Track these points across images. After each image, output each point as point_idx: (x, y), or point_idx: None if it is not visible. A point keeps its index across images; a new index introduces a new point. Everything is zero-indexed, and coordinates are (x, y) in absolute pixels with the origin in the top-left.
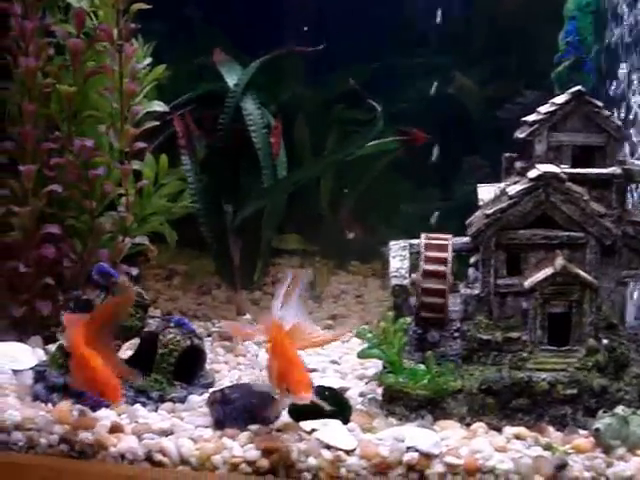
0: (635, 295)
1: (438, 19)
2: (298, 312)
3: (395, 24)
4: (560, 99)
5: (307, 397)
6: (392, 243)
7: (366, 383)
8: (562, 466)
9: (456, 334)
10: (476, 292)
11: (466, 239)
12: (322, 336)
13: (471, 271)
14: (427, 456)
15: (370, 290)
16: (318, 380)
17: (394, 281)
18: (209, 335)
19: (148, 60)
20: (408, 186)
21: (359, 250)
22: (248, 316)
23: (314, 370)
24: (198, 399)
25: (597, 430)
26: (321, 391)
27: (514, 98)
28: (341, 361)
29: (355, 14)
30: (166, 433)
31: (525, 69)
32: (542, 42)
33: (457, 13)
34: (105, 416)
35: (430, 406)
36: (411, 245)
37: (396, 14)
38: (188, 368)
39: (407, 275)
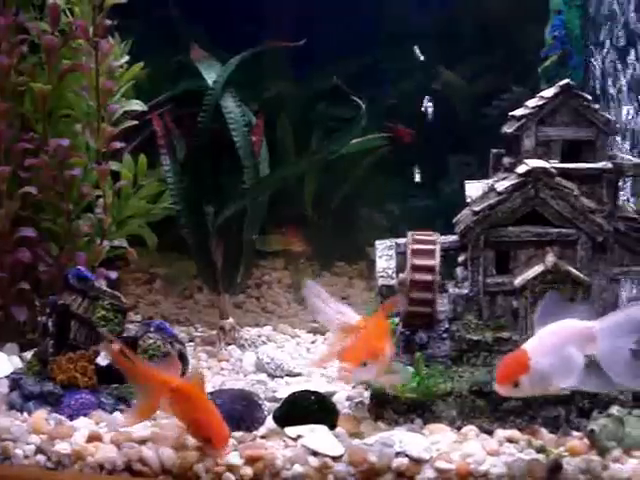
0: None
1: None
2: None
3: (380, 19)
4: (548, 92)
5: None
6: (378, 242)
7: (353, 387)
8: (556, 469)
9: (445, 335)
10: (465, 292)
11: (454, 237)
12: None
13: (459, 270)
14: (417, 461)
15: (356, 291)
16: (303, 384)
17: (381, 281)
18: (192, 340)
19: (126, 58)
20: (395, 185)
21: (344, 251)
22: (231, 320)
23: (299, 374)
24: None
25: (592, 431)
26: (306, 395)
27: (501, 94)
28: (327, 365)
29: (339, 9)
30: (146, 441)
31: (513, 65)
32: (529, 37)
33: (443, 8)
34: (83, 425)
35: (419, 410)
36: (397, 244)
37: (381, 9)
38: None
39: (394, 275)
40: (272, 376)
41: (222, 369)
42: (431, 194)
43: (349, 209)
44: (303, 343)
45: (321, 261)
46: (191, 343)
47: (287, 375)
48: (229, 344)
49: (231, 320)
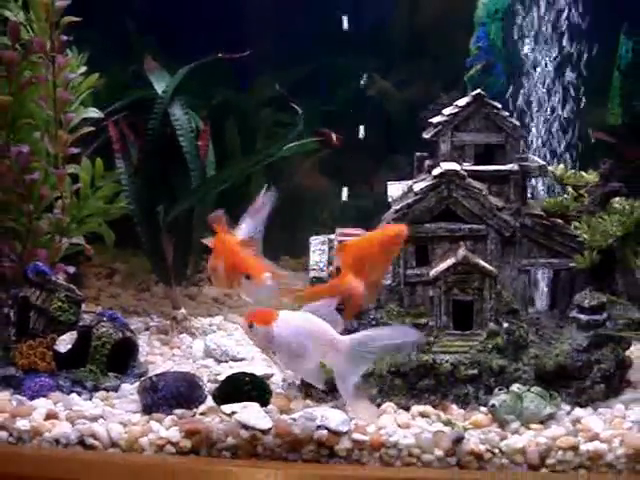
0: (542, 284)
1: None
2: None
3: (319, 31)
4: (462, 101)
5: (267, 278)
6: (312, 238)
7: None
8: (459, 440)
9: (373, 322)
10: (388, 282)
11: None
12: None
13: None
14: (336, 433)
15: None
16: (244, 368)
17: (312, 274)
18: (147, 329)
19: (83, 69)
20: (334, 184)
21: (289, 246)
22: (183, 310)
23: (242, 359)
24: (130, 387)
25: (493, 406)
26: (242, 377)
27: (435, 100)
28: None
29: (279, 22)
30: (97, 419)
31: (442, 73)
32: (457, 47)
33: (378, 20)
34: (41, 405)
35: None
36: (330, 240)
37: (320, 20)
38: (122, 359)
39: (325, 268)
40: (218, 361)
41: (174, 355)
42: (367, 193)
43: (293, 207)
44: None
45: (267, 255)
46: (146, 332)
47: (232, 360)
48: (181, 333)
49: (183, 310)
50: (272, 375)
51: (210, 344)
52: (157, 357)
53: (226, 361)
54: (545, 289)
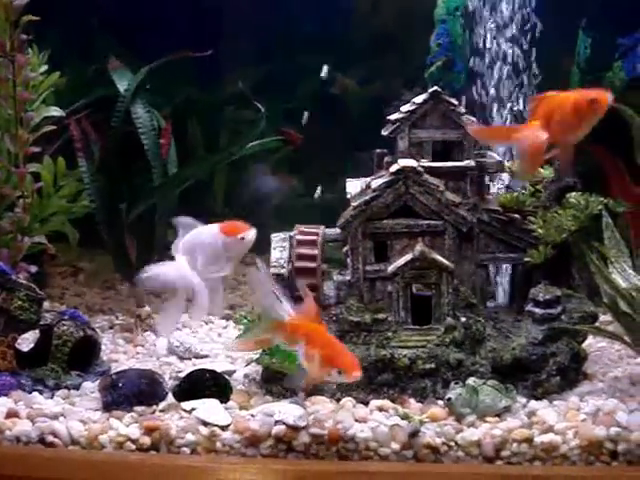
0: (502, 278)
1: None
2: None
3: (282, 28)
4: (419, 99)
5: (359, 374)
6: (274, 235)
7: (245, 365)
8: (415, 433)
9: (335, 318)
10: (347, 278)
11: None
12: None
13: (349, 259)
14: (294, 428)
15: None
16: (208, 365)
17: (273, 270)
18: (112, 327)
19: (44, 67)
20: (298, 182)
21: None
22: (147, 308)
23: (205, 356)
24: (91, 385)
25: (449, 400)
26: (202, 374)
27: (400, 96)
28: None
29: (245, 20)
30: (58, 417)
31: (405, 70)
32: (418, 44)
33: (339, 18)
34: (2, 403)
35: None
36: (290, 237)
37: (282, 19)
38: (84, 357)
39: (285, 265)
40: (182, 358)
41: (137, 353)
42: (330, 190)
43: (257, 204)
44: (215, 328)
45: None
46: (111, 330)
47: (195, 357)
48: (145, 330)
49: (147, 308)
50: (234, 372)
51: (173, 341)
52: (121, 355)
53: (189, 358)
54: (505, 283)
